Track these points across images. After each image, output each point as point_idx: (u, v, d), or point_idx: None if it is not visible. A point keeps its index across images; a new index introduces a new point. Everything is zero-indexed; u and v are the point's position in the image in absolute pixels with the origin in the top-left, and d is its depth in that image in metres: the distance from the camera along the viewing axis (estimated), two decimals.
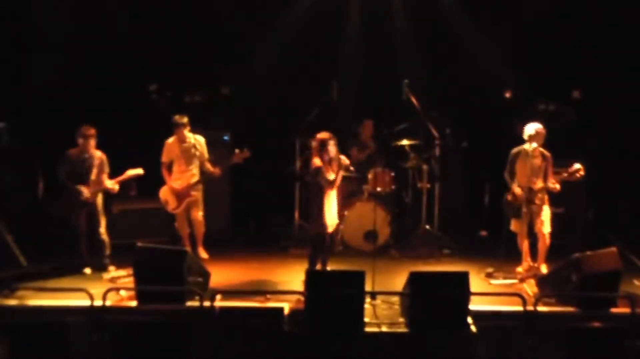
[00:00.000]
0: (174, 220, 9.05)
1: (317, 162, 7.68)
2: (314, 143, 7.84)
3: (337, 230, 8.22)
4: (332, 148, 7.69)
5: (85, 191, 8.30)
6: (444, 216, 9.84)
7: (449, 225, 9.93)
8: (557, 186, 8.00)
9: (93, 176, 8.36)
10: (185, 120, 8.73)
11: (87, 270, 8.35)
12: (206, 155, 8.89)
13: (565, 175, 8.00)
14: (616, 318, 6.82)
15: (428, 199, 9.82)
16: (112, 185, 8.38)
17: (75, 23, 10.24)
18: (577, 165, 7.93)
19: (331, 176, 7.68)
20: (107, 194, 8.52)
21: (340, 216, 9.37)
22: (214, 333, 6.47)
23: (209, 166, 8.86)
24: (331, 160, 7.71)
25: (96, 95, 10.23)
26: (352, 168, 8.14)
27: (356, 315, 6.59)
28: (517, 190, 8.15)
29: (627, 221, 9.82)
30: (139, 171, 8.49)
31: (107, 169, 8.46)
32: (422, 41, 10.56)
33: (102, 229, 8.48)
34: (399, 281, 7.31)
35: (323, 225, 7.70)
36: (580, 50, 10.34)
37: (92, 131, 8.33)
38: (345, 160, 7.84)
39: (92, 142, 8.34)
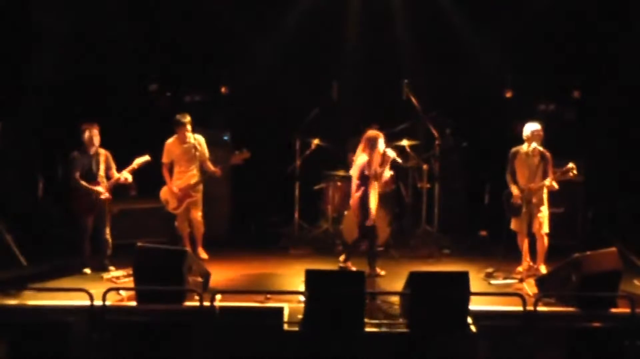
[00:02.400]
0: (174, 220, 9.04)
1: (363, 157, 8.20)
2: (364, 140, 8.25)
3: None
4: (381, 145, 8.22)
5: (102, 189, 8.31)
6: (444, 216, 9.84)
7: (449, 225, 9.93)
8: (555, 184, 8.00)
9: (101, 172, 8.36)
10: (187, 119, 8.72)
11: (87, 270, 8.35)
12: (207, 154, 8.89)
13: (558, 173, 8.01)
14: (616, 318, 6.82)
15: (428, 199, 9.82)
16: (125, 175, 8.37)
17: (75, 22, 10.25)
18: (570, 164, 7.94)
19: (378, 170, 8.19)
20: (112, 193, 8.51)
21: (339, 216, 9.42)
22: (214, 333, 6.47)
23: (209, 165, 8.85)
24: (380, 156, 8.22)
25: (96, 95, 10.22)
26: (399, 160, 8.61)
27: (356, 315, 6.59)
28: (515, 191, 8.16)
29: (627, 221, 9.82)
30: (146, 158, 8.47)
31: (113, 165, 8.46)
32: (422, 41, 10.55)
33: (107, 229, 8.48)
34: (399, 281, 7.31)
35: (370, 217, 8.20)
36: (580, 50, 10.34)
37: (95, 127, 8.32)
38: (390, 153, 8.25)
39: (96, 138, 8.33)
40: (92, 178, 8.34)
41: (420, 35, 10.55)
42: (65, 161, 8.51)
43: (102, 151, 8.43)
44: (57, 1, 10.23)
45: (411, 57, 10.52)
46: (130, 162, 8.45)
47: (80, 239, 8.41)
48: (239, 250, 9.60)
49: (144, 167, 8.52)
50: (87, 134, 8.31)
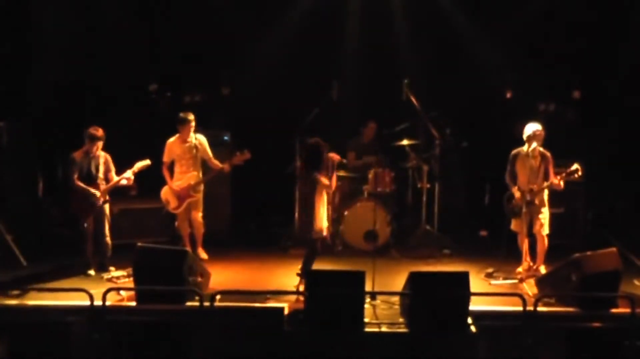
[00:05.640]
0: (174, 220, 9.05)
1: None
2: (309, 150, 7.74)
3: (330, 232, 8.14)
4: (325, 154, 7.64)
5: (98, 193, 8.30)
6: (444, 216, 9.83)
7: (449, 225, 9.92)
8: (562, 183, 8.01)
9: (101, 174, 8.35)
10: (191, 116, 8.73)
11: (92, 272, 8.32)
12: (210, 153, 8.88)
13: (563, 175, 8.02)
14: (616, 318, 6.82)
15: (428, 199, 9.81)
16: (127, 176, 8.34)
17: (76, 23, 10.25)
18: (575, 166, 7.95)
19: (326, 180, 7.60)
20: (111, 193, 8.50)
21: (339, 216, 9.40)
22: (214, 333, 6.47)
23: (216, 163, 8.84)
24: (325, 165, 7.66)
25: (96, 95, 10.22)
26: (344, 160, 8.21)
27: (356, 315, 6.59)
28: (517, 194, 8.16)
29: (627, 221, 9.82)
30: (147, 162, 8.46)
31: (112, 168, 8.44)
32: (422, 41, 10.56)
33: (107, 231, 8.46)
34: (399, 281, 7.31)
35: (316, 231, 7.63)
36: (580, 50, 10.34)
37: (101, 132, 8.29)
38: (334, 157, 7.77)
39: (100, 144, 8.31)
40: (91, 180, 8.31)
41: (421, 35, 10.56)
42: (65, 161, 8.50)
43: (102, 153, 8.40)
44: (57, 2, 10.23)
45: (411, 57, 10.52)
46: (130, 163, 8.44)
47: (82, 241, 8.40)
48: (239, 250, 9.59)
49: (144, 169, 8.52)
50: (90, 138, 8.27)
